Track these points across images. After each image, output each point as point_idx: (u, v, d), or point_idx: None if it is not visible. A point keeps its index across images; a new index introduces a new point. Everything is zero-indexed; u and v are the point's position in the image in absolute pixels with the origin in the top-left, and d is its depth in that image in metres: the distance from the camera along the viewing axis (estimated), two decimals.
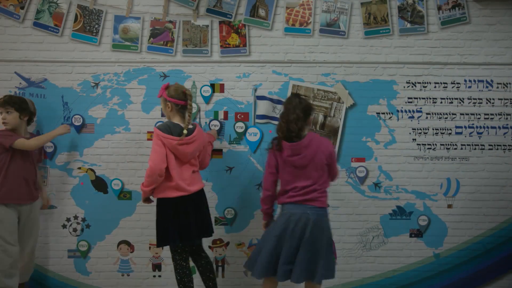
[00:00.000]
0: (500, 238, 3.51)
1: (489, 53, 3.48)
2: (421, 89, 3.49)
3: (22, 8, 3.40)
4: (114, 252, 3.52)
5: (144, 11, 3.44)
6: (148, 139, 3.48)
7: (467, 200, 3.52)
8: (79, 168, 3.49)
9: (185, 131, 2.77)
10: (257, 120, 3.48)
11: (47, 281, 3.50)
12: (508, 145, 3.50)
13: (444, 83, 3.49)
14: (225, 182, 3.51)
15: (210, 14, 3.44)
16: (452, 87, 3.49)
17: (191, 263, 3.01)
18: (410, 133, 3.50)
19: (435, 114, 3.50)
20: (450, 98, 3.49)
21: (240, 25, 3.46)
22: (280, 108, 3.44)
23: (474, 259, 3.53)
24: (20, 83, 3.45)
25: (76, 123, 3.45)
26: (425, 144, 3.50)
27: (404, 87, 3.50)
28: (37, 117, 3.36)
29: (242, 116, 3.49)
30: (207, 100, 3.49)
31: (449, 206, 3.51)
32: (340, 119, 3.48)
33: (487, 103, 3.49)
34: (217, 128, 3.47)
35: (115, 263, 3.54)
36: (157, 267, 3.56)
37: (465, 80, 3.48)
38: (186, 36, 3.45)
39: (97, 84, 3.48)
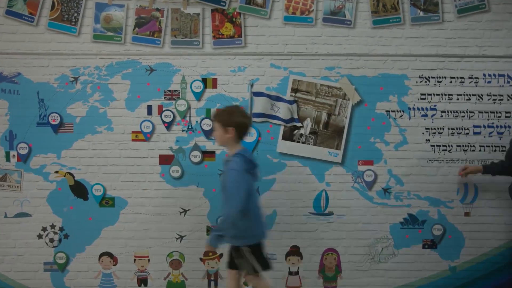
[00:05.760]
0: None
1: (510, 44, 3.42)
2: (435, 85, 3.43)
3: None
4: (95, 265, 3.42)
5: None
6: (133, 140, 3.40)
7: (486, 208, 3.46)
8: (57, 172, 3.40)
9: None
10: (253, 119, 3.37)
11: None
12: None
13: (461, 77, 3.42)
14: (218, 187, 3.38)
15: (202, 1, 3.36)
16: (470, 82, 3.43)
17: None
18: (423, 133, 3.44)
19: (451, 112, 3.43)
20: (467, 95, 3.43)
21: (235, 13, 3.37)
22: (279, 105, 3.35)
23: (494, 273, 3.47)
24: None
25: (53, 122, 3.37)
26: (439, 145, 3.44)
27: (416, 82, 3.43)
28: (9, 116, 3.30)
29: None
30: (198, 96, 3.39)
31: (467, 214, 3.45)
32: (346, 117, 3.40)
33: (508, 99, 3.43)
34: (209, 127, 3.35)
35: (96, 277, 3.43)
36: (142, 281, 3.44)
37: (484, 75, 3.42)
38: (175, 25, 3.36)
39: (76, 79, 3.38)
